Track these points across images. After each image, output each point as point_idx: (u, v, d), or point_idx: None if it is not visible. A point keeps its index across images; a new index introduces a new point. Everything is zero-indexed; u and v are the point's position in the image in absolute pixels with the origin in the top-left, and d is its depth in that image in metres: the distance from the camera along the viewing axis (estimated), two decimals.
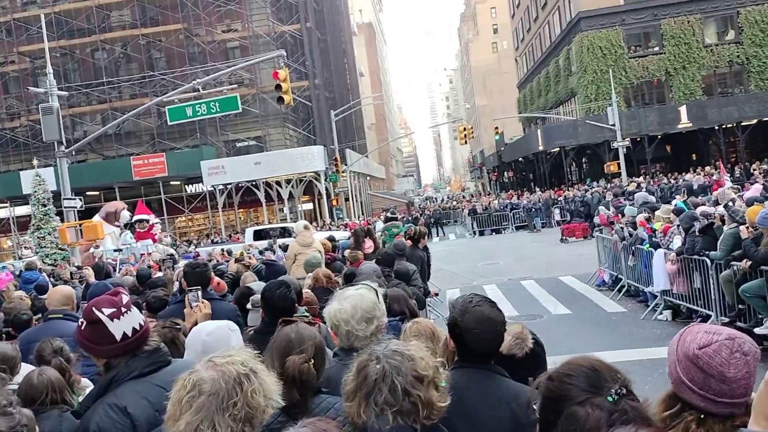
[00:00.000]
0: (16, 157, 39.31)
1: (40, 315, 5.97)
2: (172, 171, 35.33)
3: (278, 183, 35.57)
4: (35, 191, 23.87)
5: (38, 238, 23.03)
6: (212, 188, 35.88)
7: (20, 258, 21.38)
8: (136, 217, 22.36)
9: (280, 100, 16.92)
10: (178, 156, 36.45)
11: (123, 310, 2.52)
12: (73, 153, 26.39)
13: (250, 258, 9.99)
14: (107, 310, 2.49)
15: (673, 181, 28.06)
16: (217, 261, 13.30)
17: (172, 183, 37.53)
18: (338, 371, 2.45)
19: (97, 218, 21.49)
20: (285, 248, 12.27)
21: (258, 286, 5.22)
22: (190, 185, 38.14)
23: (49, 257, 21.81)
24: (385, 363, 1.79)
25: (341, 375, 2.40)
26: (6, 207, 36.92)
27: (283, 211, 37.63)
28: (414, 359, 1.84)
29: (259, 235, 25.27)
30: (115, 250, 18.01)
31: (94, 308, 2.51)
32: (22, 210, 37.05)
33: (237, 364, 1.82)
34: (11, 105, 40.08)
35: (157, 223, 22.63)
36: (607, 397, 1.60)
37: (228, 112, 19.24)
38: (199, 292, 4.14)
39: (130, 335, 2.49)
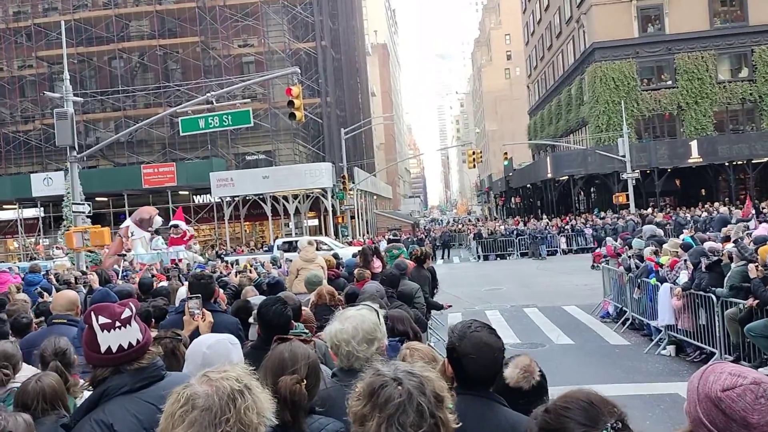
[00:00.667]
0: (27, 160, 39.63)
1: (43, 318, 5.96)
2: (182, 181, 35.50)
3: (285, 198, 35.66)
4: (68, 192, 24.22)
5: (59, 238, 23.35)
6: (220, 200, 36.01)
7: (51, 258, 21.55)
8: (172, 223, 22.68)
9: (292, 116, 17.02)
10: (188, 166, 36.65)
11: (118, 324, 2.47)
12: (85, 158, 26.61)
13: (251, 271, 9.98)
14: (102, 319, 2.47)
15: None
16: (221, 272, 13.29)
17: (180, 193, 37.70)
18: (337, 392, 2.43)
19: (128, 222, 21.76)
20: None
21: (258, 300, 5.21)
22: (198, 196, 38.30)
23: (72, 259, 22.01)
24: (408, 384, 1.74)
25: (339, 395, 2.37)
26: (15, 209, 37.10)
27: (288, 226, 37.66)
28: (432, 380, 1.80)
29: (288, 246, 25.18)
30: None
31: (92, 313, 2.51)
32: (29, 212, 37.27)
33: (232, 380, 1.79)
34: (26, 108, 40.50)
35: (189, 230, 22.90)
36: (603, 431, 1.58)
37: (240, 125, 19.38)
38: (200, 301, 4.12)
39: (114, 351, 2.44)
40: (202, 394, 1.78)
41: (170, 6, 39.33)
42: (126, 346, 2.47)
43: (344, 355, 2.58)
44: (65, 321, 4.80)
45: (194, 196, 38.41)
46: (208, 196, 36.78)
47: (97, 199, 34.77)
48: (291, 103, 16.90)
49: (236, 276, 9.93)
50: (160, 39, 38.75)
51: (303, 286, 7.34)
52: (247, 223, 40.37)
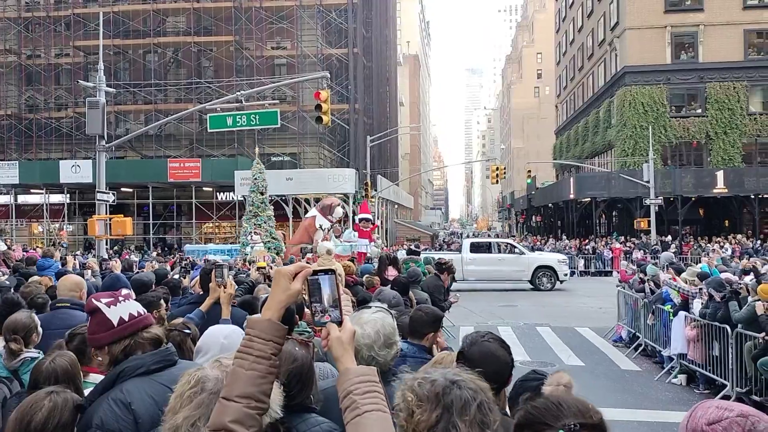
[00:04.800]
0: (57, 147, 40.33)
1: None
2: (206, 177, 35.87)
3: (307, 200, 35.84)
4: (255, 177, 24.90)
5: (255, 225, 23.98)
6: (242, 198, 36.33)
7: (250, 245, 22.36)
8: (360, 216, 23.65)
9: (319, 119, 17.19)
10: (214, 163, 37.02)
11: (120, 299, 2.67)
12: (113, 149, 27.10)
13: (271, 268, 10.08)
14: (105, 299, 2.65)
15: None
16: (239, 269, 13.44)
17: (204, 189, 38.10)
18: None
19: (313, 211, 22.57)
20: None
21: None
22: (222, 193, 38.64)
23: (265, 245, 22.77)
24: (467, 387, 1.65)
25: None
26: (42, 193, 37.77)
27: None
28: (478, 380, 1.73)
29: (476, 248, 25.09)
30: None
31: (93, 299, 2.68)
32: (56, 198, 37.90)
33: None
34: (60, 96, 41.27)
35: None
36: (559, 429, 1.55)
37: (267, 125, 19.58)
38: (227, 270, 4.20)
39: (126, 319, 2.61)
40: (212, 378, 1.85)
41: (207, 4, 39.90)
42: (135, 314, 2.65)
43: (365, 359, 2.51)
44: (69, 304, 4.73)
45: (217, 193, 38.77)
46: (231, 193, 37.11)
47: (122, 189, 35.27)
48: (319, 107, 17.07)
49: (257, 272, 10.04)
50: (195, 36, 39.30)
51: None
52: None
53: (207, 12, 39.78)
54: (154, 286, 7.15)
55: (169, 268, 15.04)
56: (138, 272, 10.55)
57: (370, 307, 2.62)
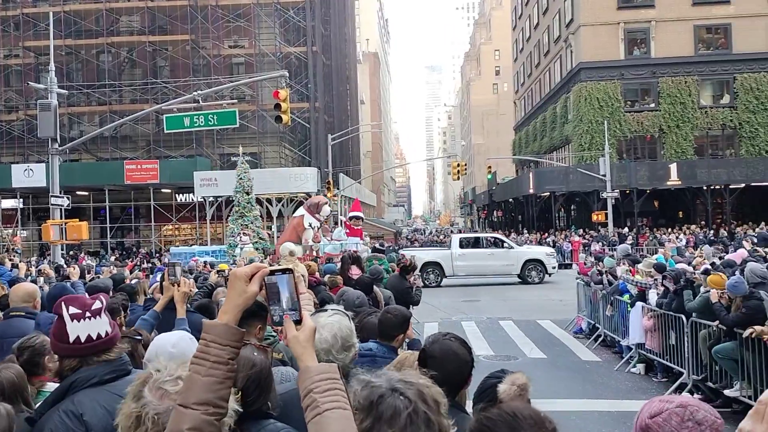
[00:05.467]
0: (9, 150, 39.18)
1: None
2: (164, 178, 35.30)
3: (269, 200, 35.56)
4: (241, 177, 24.34)
5: (241, 225, 23.43)
6: (202, 199, 35.84)
7: (239, 246, 22.06)
8: (351, 214, 23.57)
9: (279, 119, 17.07)
10: (172, 164, 36.46)
11: (88, 314, 2.48)
12: (67, 151, 26.40)
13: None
14: (72, 309, 2.47)
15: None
16: (199, 272, 13.27)
17: (162, 190, 37.48)
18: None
19: (302, 210, 22.31)
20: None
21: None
22: (181, 194, 38.08)
23: (254, 246, 22.58)
24: (408, 393, 1.60)
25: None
26: None
27: (271, 229, 37.54)
28: (428, 386, 1.70)
29: (465, 243, 25.10)
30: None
31: (63, 302, 2.51)
32: (8, 203, 36.83)
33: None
34: (10, 98, 40.07)
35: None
36: None
37: (225, 126, 19.35)
38: (180, 269, 4.12)
39: (83, 341, 2.45)
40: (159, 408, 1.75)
41: (162, 3, 39.21)
42: (95, 337, 2.48)
43: None
44: (23, 314, 4.59)
45: (176, 195, 38.19)
46: (191, 195, 36.59)
47: (77, 192, 34.45)
48: (278, 107, 16.94)
49: (216, 275, 9.91)
50: (150, 35, 38.60)
51: None
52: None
53: (161, 11, 39.09)
54: (111, 291, 7.00)
55: (127, 272, 14.75)
56: (94, 278, 10.31)
57: (326, 310, 2.59)
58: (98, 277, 9.33)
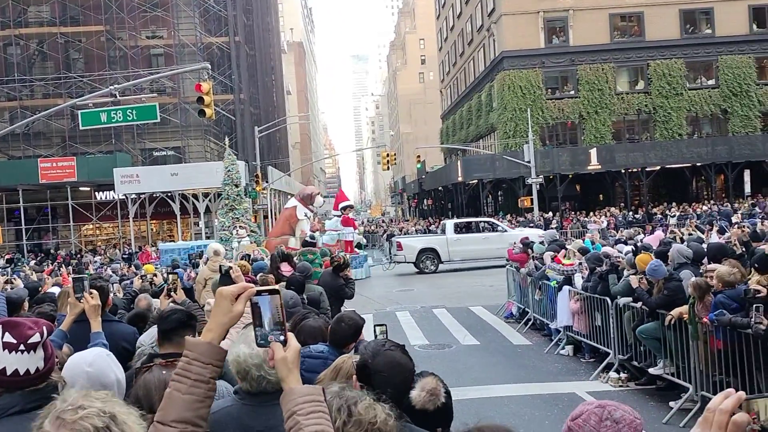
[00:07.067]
0: None
1: None
2: (82, 176, 33.81)
3: (195, 196, 34.63)
4: (228, 170, 23.36)
5: (232, 219, 22.27)
6: (124, 197, 34.53)
7: (236, 240, 21.14)
8: (343, 204, 23.43)
9: (202, 113, 16.56)
10: (90, 161, 34.95)
11: (22, 348, 2.27)
12: None
13: (155, 276, 9.62)
14: (8, 338, 2.27)
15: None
16: (124, 275, 12.76)
17: (81, 189, 35.89)
18: (239, 410, 2.32)
19: (293, 201, 21.54)
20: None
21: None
22: (101, 192, 36.56)
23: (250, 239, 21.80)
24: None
25: (242, 414, 2.30)
26: None
27: (198, 225, 36.62)
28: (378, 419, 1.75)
29: (459, 228, 24.83)
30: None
31: (2, 326, 2.30)
32: None
33: (92, 417, 1.58)
34: None
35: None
36: None
37: (146, 120, 18.65)
38: (87, 282, 3.88)
39: (8, 373, 2.26)
40: None
41: None
42: (22, 372, 2.27)
43: (254, 380, 2.36)
44: None
45: (96, 193, 36.65)
46: (112, 192, 35.19)
47: None
48: (201, 100, 16.43)
49: (140, 280, 9.54)
50: (61, 26, 36.72)
51: (212, 296, 7.15)
52: (154, 221, 38.92)
53: (73, 0, 37.19)
54: (27, 302, 6.58)
55: (46, 276, 14.03)
56: (4, 289, 9.70)
57: None
58: (11, 287, 8.75)
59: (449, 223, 25.71)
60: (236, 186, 24.34)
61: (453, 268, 23.84)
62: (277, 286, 1.87)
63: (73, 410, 1.60)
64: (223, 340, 1.79)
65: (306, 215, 21.31)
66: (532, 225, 29.01)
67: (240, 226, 22.93)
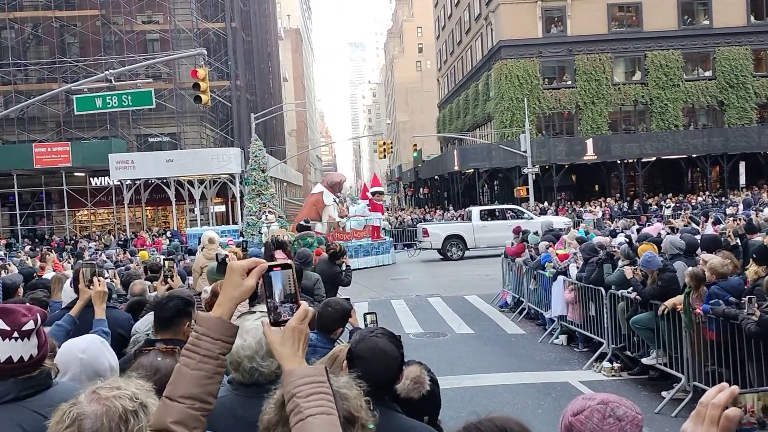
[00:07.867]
0: None
1: None
2: (77, 162, 33.64)
3: (190, 182, 34.51)
4: (256, 155, 23.85)
5: (260, 204, 22.28)
6: (119, 183, 34.40)
7: (265, 224, 21.07)
8: (374, 189, 23.76)
9: (198, 99, 16.49)
10: (85, 146, 34.76)
11: (16, 335, 2.27)
12: None
13: (155, 261, 9.61)
14: (2, 325, 2.26)
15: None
16: (119, 261, 12.75)
17: (75, 174, 35.73)
18: (232, 400, 2.32)
19: (320, 187, 21.52)
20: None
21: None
22: (96, 178, 36.41)
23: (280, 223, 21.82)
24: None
25: (236, 404, 2.31)
26: None
27: (193, 212, 36.56)
28: (348, 398, 1.73)
29: (485, 215, 24.94)
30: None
31: None
32: None
33: (125, 399, 1.64)
34: None
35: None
36: None
37: (141, 106, 18.55)
38: (93, 269, 3.92)
39: (2, 360, 2.26)
40: (90, 415, 1.63)
41: None
42: (16, 360, 2.28)
43: (246, 371, 2.38)
44: None
45: (91, 178, 36.50)
46: (107, 178, 35.06)
47: None
48: (197, 86, 16.34)
49: (137, 265, 9.52)
50: (56, 10, 36.38)
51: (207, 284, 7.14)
52: (149, 207, 38.85)
53: None
54: (22, 288, 6.58)
55: (38, 263, 14.00)
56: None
57: (254, 312, 2.46)
58: (5, 272, 8.74)
59: (475, 210, 25.80)
60: (263, 171, 24.30)
61: (477, 254, 23.88)
62: (289, 261, 1.83)
63: (110, 389, 1.67)
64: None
65: (334, 200, 21.42)
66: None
67: (269, 211, 22.97)
